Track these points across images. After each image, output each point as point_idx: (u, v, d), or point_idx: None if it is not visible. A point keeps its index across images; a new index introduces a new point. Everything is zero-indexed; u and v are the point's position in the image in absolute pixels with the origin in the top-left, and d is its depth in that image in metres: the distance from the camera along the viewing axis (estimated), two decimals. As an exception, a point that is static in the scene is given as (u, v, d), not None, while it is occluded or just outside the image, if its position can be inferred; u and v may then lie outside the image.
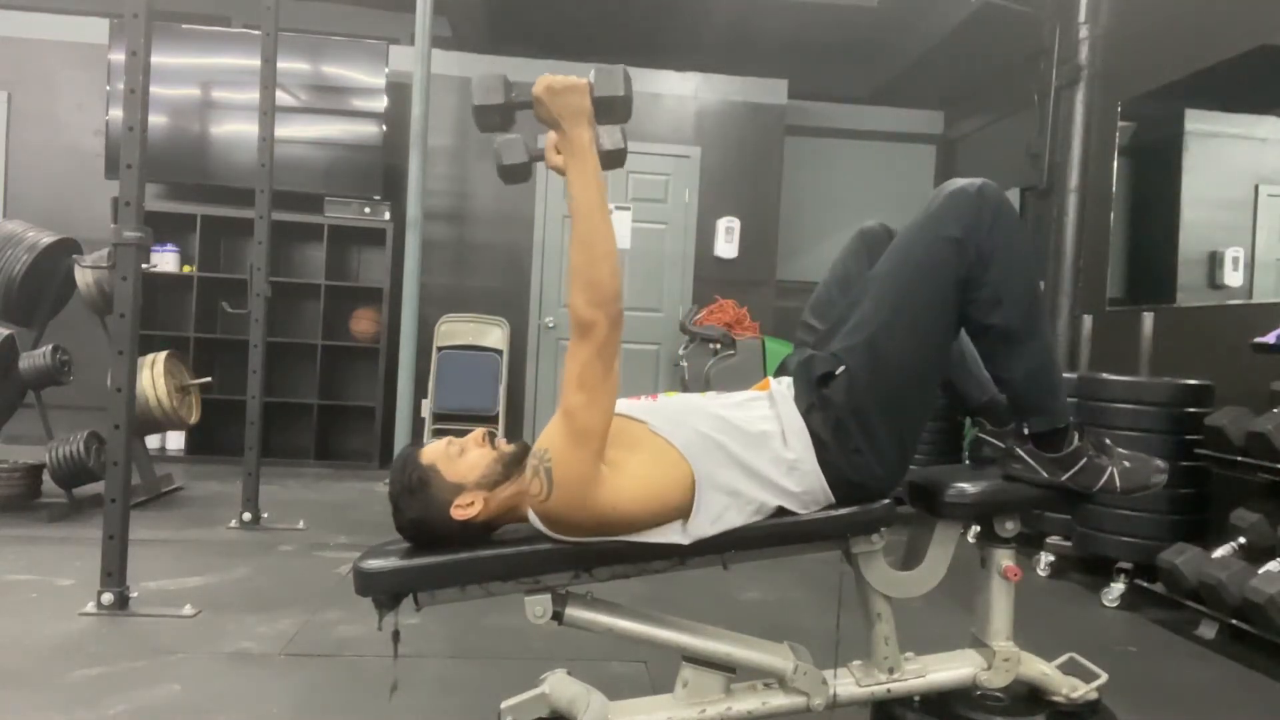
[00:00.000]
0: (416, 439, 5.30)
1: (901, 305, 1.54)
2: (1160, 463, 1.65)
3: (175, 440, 5.72)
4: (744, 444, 1.51)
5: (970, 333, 1.61)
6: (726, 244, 6.23)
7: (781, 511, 1.54)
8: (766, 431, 1.53)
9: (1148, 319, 3.62)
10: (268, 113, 3.82)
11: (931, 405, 1.66)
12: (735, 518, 1.50)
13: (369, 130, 5.73)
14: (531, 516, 1.45)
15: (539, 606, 1.49)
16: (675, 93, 6.28)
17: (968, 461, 1.90)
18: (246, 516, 3.86)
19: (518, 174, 1.60)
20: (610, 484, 1.40)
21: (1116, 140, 4.56)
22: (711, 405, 1.57)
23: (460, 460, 1.48)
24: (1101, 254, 4.61)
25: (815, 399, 1.54)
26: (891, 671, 1.63)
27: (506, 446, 1.51)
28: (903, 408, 1.56)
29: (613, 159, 1.60)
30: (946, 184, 1.58)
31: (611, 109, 1.44)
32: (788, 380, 1.64)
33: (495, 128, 1.51)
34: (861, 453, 1.53)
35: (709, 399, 1.61)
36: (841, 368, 1.54)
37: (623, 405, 1.59)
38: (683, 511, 1.47)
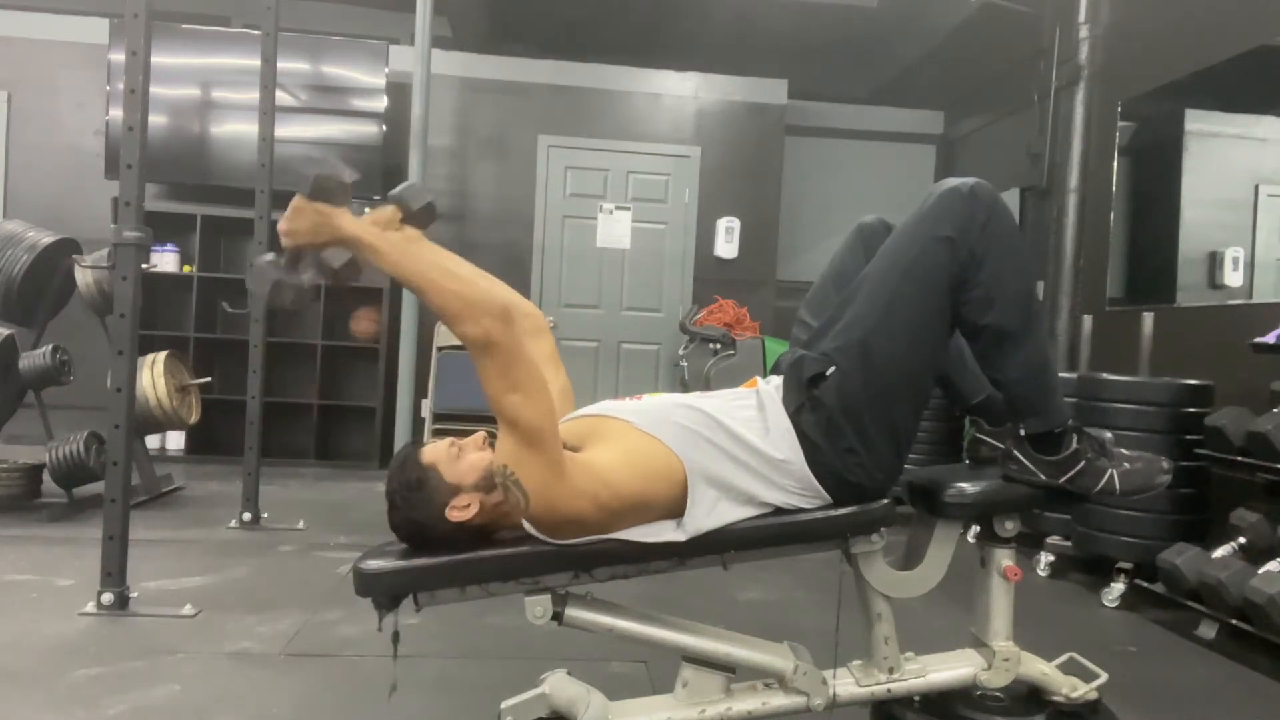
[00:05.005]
0: (416, 439, 5.30)
1: (894, 305, 1.53)
2: (1166, 463, 1.64)
3: (175, 440, 5.72)
4: (730, 440, 1.51)
5: (964, 333, 1.61)
6: (726, 244, 6.23)
7: (778, 510, 1.54)
8: (752, 429, 1.53)
9: (1148, 319, 3.62)
10: (268, 113, 3.82)
11: (925, 404, 1.65)
12: (729, 510, 1.50)
13: (369, 130, 5.73)
14: (525, 523, 1.45)
15: (539, 607, 1.49)
16: (675, 93, 6.28)
17: (967, 461, 1.90)
18: (246, 516, 3.86)
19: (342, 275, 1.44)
20: (589, 475, 1.40)
21: (1116, 140, 4.56)
22: (696, 402, 1.57)
23: (459, 462, 1.47)
24: (1101, 254, 4.61)
25: (806, 400, 1.54)
26: (891, 671, 1.63)
27: (488, 458, 1.51)
28: (896, 407, 1.56)
29: (418, 218, 1.47)
30: (939, 184, 1.58)
31: (331, 190, 1.38)
32: (777, 380, 1.64)
33: (298, 297, 1.42)
34: (855, 453, 1.53)
35: (693, 397, 1.61)
36: (832, 368, 1.53)
37: (607, 406, 1.59)
38: (676, 506, 1.47)
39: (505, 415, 1.36)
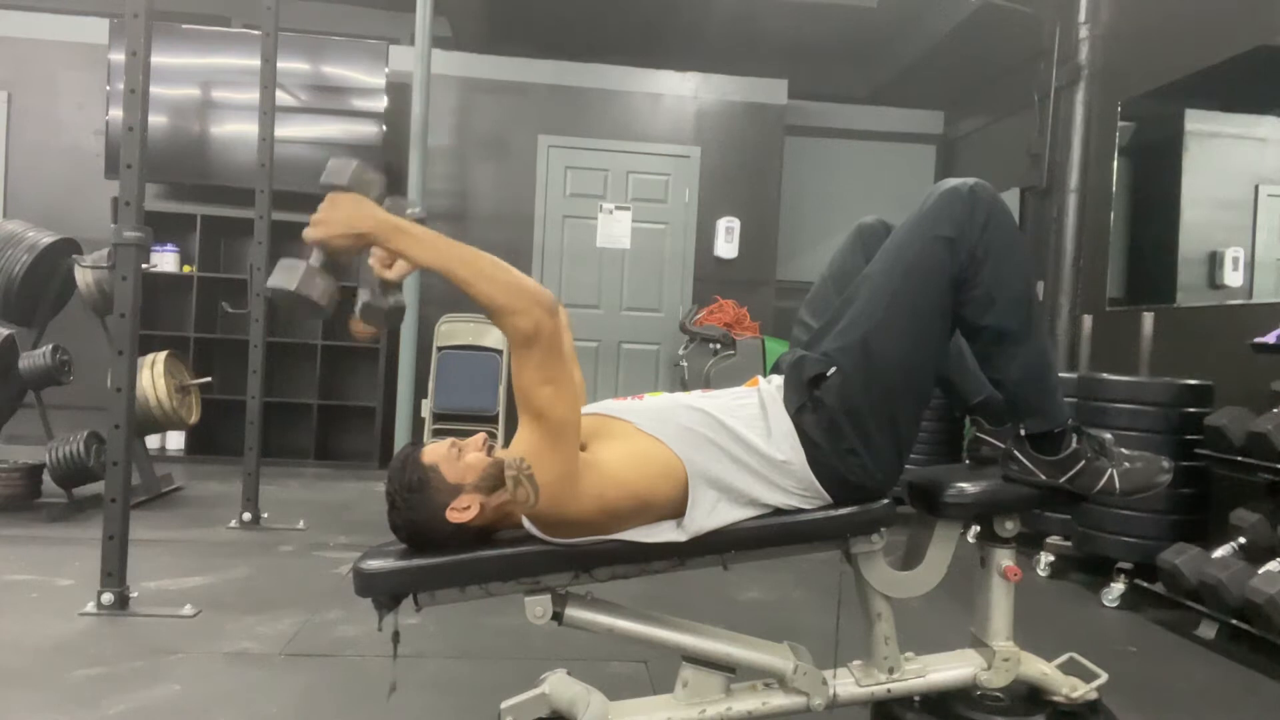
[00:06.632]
0: (416, 439, 5.30)
1: (894, 305, 1.53)
2: (1166, 463, 1.64)
3: (175, 440, 5.72)
4: (733, 440, 1.51)
5: (964, 333, 1.61)
6: (726, 244, 6.23)
7: (778, 511, 1.54)
8: (754, 430, 1.53)
9: (1148, 319, 3.62)
10: (268, 113, 3.82)
11: (926, 404, 1.65)
12: (730, 511, 1.50)
13: (369, 130, 5.73)
14: (526, 522, 1.45)
15: (539, 607, 1.49)
16: (675, 93, 6.28)
17: (967, 461, 1.90)
18: (246, 516, 3.86)
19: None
20: (594, 474, 1.40)
21: (1116, 140, 4.56)
22: (698, 402, 1.57)
23: (460, 462, 1.48)
24: (1101, 254, 4.61)
25: (807, 400, 1.54)
26: (891, 671, 1.63)
27: (503, 453, 1.51)
28: (897, 407, 1.56)
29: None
30: (939, 184, 1.58)
31: (368, 183, 1.37)
32: (778, 380, 1.64)
33: (321, 307, 1.38)
34: (856, 453, 1.53)
35: (695, 397, 1.61)
36: (833, 369, 1.53)
37: (608, 406, 1.59)
38: (677, 506, 1.47)
39: (535, 407, 1.34)
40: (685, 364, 5.48)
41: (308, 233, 1.35)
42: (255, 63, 3.85)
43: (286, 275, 1.36)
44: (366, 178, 1.37)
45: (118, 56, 5.38)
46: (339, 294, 1.43)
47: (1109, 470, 1.60)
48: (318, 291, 1.37)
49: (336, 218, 1.34)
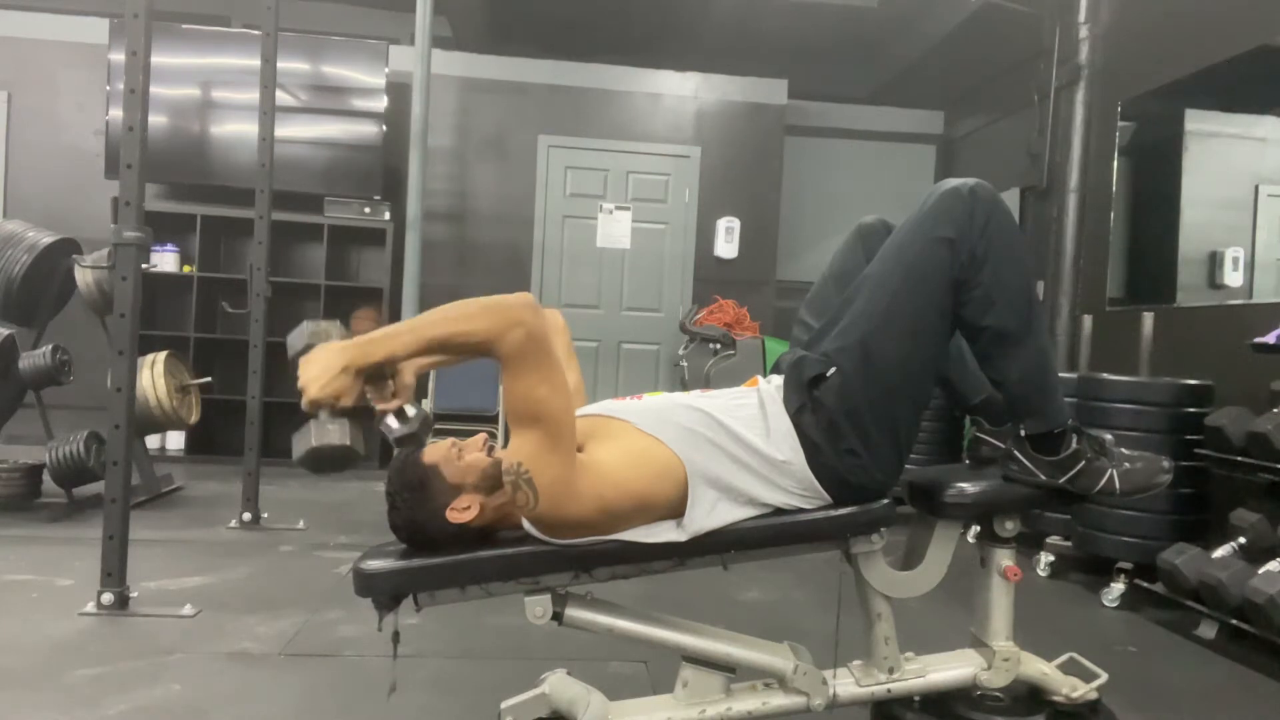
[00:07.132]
0: (416, 439, 5.29)
1: (894, 306, 1.53)
2: (1166, 463, 1.63)
3: (175, 440, 5.72)
4: (731, 440, 1.51)
5: (965, 334, 1.60)
6: (726, 244, 6.23)
7: (778, 510, 1.54)
8: (753, 430, 1.53)
9: (1148, 319, 3.62)
10: (268, 113, 3.82)
11: (926, 404, 1.64)
12: (729, 511, 1.50)
13: (369, 130, 5.73)
14: (525, 523, 1.45)
15: (539, 607, 1.49)
16: (675, 93, 6.28)
17: (967, 461, 1.89)
18: (246, 516, 3.86)
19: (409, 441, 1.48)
20: (593, 475, 1.40)
21: (1116, 140, 4.56)
22: (697, 402, 1.57)
23: (460, 462, 1.48)
24: (1101, 254, 4.61)
25: (806, 400, 1.54)
26: (891, 671, 1.63)
27: (503, 454, 1.51)
28: (897, 408, 1.55)
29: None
30: (939, 184, 1.58)
31: (326, 333, 1.48)
32: (777, 380, 1.63)
33: (349, 448, 1.45)
34: (856, 454, 1.52)
35: (694, 397, 1.61)
36: (833, 369, 1.53)
37: (608, 406, 1.59)
38: (676, 506, 1.47)
39: (532, 412, 1.34)
40: (685, 364, 5.48)
41: (304, 403, 1.38)
42: (255, 63, 3.85)
43: (302, 439, 1.45)
44: (321, 329, 1.46)
45: (118, 56, 5.38)
46: (361, 428, 1.48)
47: (1109, 470, 1.60)
48: (336, 436, 1.43)
49: (314, 372, 1.37)
